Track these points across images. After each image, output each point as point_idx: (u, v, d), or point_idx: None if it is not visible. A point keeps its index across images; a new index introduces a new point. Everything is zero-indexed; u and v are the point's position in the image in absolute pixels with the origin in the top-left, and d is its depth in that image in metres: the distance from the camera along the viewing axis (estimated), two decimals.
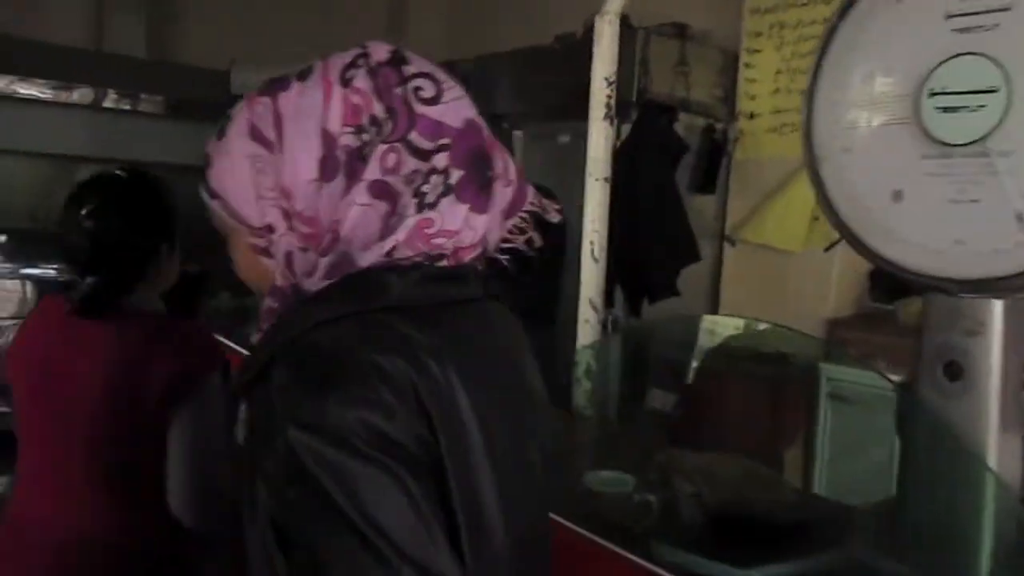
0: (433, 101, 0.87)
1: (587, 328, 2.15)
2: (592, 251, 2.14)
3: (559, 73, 3.94)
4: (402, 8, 5.81)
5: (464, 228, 0.86)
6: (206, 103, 4.96)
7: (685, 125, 3.65)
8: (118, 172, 1.64)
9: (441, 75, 0.90)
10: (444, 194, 0.85)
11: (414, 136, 0.85)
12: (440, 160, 0.86)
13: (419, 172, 0.85)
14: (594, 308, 2.15)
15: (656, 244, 3.36)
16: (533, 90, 4.12)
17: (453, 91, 0.89)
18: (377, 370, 0.76)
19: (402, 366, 0.78)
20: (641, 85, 3.51)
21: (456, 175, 0.86)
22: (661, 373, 2.71)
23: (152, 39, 5.08)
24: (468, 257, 0.88)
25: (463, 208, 0.86)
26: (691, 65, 3.67)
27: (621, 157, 3.45)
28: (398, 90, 0.86)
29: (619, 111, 3.60)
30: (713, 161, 3.70)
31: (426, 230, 0.85)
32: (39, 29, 4.79)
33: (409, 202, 0.84)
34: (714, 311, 3.95)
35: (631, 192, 3.35)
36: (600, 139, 2.12)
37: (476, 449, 0.82)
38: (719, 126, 3.77)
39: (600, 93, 2.12)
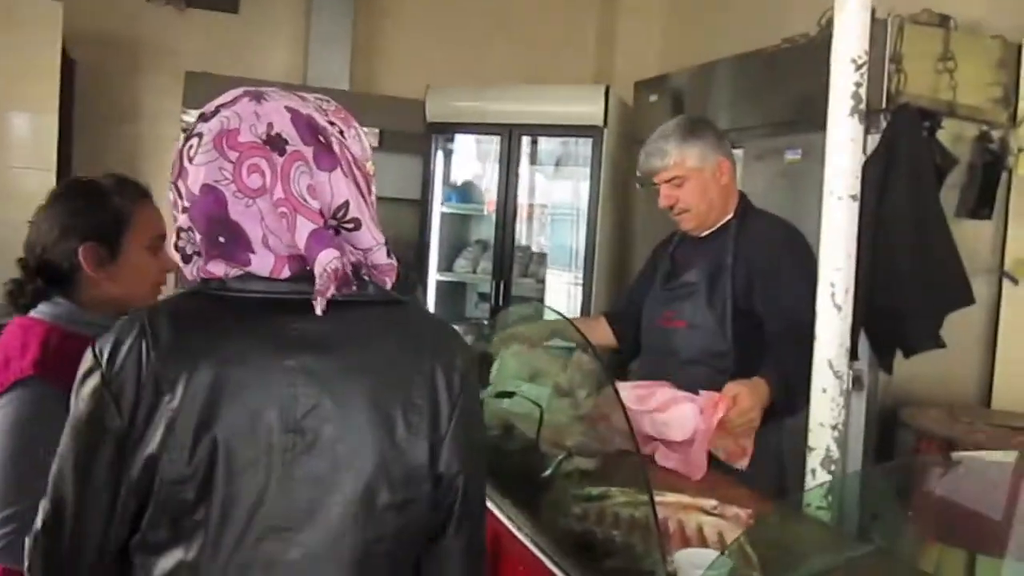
0: (191, 160, 0.99)
1: (824, 400, 1.57)
2: (832, 295, 1.57)
3: (788, 79, 3.37)
4: (612, 25, 5.40)
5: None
6: (404, 133, 4.88)
7: (952, 134, 2.92)
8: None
9: (208, 135, 0.98)
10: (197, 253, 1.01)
11: (180, 185, 1.00)
12: (184, 220, 1.00)
13: (180, 227, 1.00)
14: (835, 373, 1.57)
15: (916, 282, 2.67)
16: (755, 100, 3.55)
17: (206, 154, 0.97)
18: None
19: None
20: (893, 86, 2.84)
21: (197, 237, 0.99)
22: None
23: (354, 72, 5.00)
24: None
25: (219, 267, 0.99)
26: (958, 60, 2.94)
27: (868, 174, 2.80)
28: (183, 143, 1.01)
29: (864, 118, 3.00)
30: (989, 178, 2.94)
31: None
32: (249, 67, 4.86)
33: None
34: (989, 367, 3.14)
35: (882, 217, 2.69)
36: (844, 145, 1.56)
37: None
38: (996, 134, 3.00)
39: (844, 81, 1.56)
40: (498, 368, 2.13)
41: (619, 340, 2.51)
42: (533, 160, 4.70)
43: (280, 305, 0.98)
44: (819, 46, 3.24)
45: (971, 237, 2.98)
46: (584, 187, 4.27)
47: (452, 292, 4.83)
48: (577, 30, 5.55)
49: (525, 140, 4.36)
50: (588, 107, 4.15)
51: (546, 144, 4.73)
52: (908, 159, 2.73)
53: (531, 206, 4.78)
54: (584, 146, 4.57)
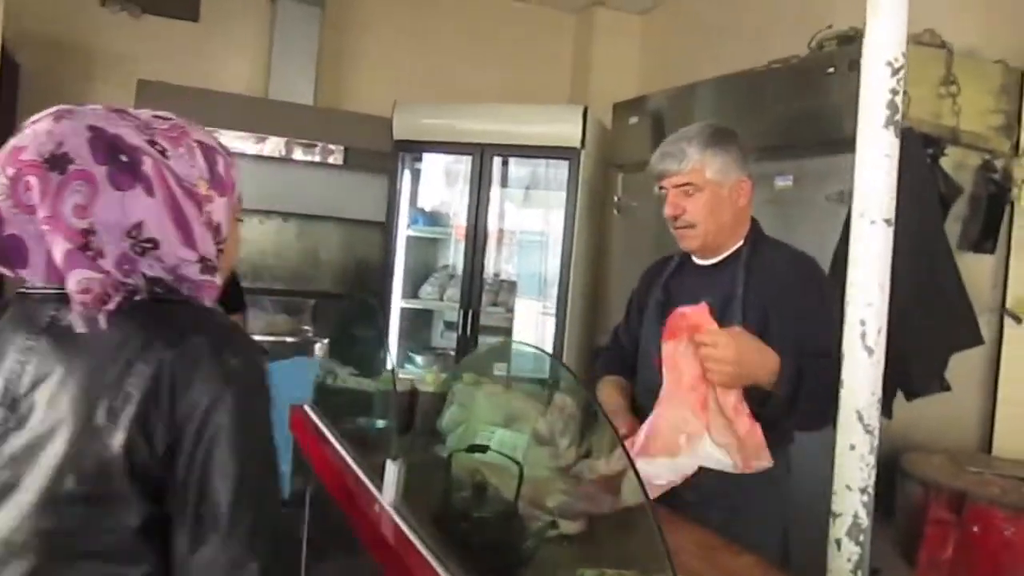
0: None
1: (852, 459, 1.34)
2: (862, 335, 1.35)
3: (777, 101, 3.20)
4: (588, 46, 5.23)
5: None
6: (371, 152, 4.64)
7: (954, 162, 2.75)
8: None
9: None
10: None
11: None
12: None
13: None
14: (865, 427, 1.34)
15: (921, 319, 2.47)
16: (742, 124, 3.35)
17: None
18: None
19: None
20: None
21: None
22: None
23: (320, 87, 4.75)
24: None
25: None
26: (960, 84, 2.78)
27: None
28: None
29: (899, 130, 2.81)
30: (993, 210, 2.77)
31: None
32: (207, 78, 4.60)
33: None
34: (990, 411, 2.95)
35: None
36: (878, 162, 1.36)
37: None
38: (998, 163, 2.84)
39: (877, 87, 1.36)
40: (458, 411, 1.87)
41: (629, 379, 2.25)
42: (504, 182, 4.48)
43: (50, 297, 1.05)
44: (811, 68, 3.10)
45: (971, 272, 2.78)
46: (557, 212, 4.07)
47: (417, 320, 4.57)
48: (552, 50, 5.38)
49: (497, 161, 4.13)
50: (565, 128, 3.95)
51: (517, 166, 4.53)
52: (912, 187, 2.53)
53: (501, 231, 4.54)
54: (557, 169, 4.36)
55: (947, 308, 2.51)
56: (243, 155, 4.44)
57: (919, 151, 2.58)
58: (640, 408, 2.18)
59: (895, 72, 1.36)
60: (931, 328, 2.49)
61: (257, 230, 4.87)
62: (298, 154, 4.54)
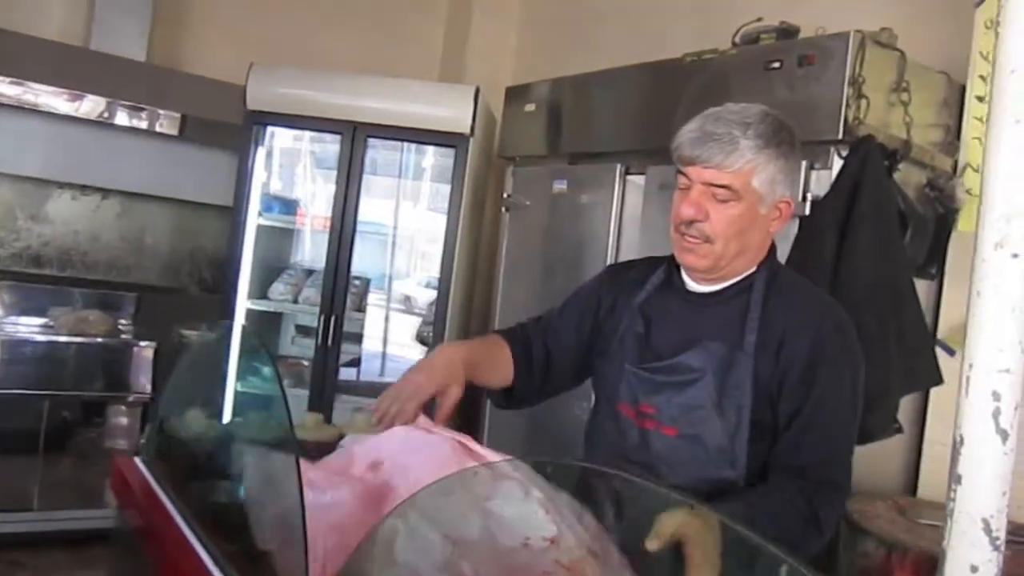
0: None
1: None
2: (996, 416, 0.96)
3: (700, 98, 2.83)
4: (465, 24, 4.74)
5: None
6: (215, 123, 3.94)
7: (900, 179, 2.48)
8: None
9: None
10: None
11: None
12: None
13: None
14: (992, 540, 0.95)
15: (881, 353, 2.17)
16: (658, 120, 2.99)
17: None
18: None
19: None
20: (851, 115, 2.36)
21: None
22: None
23: (154, 42, 3.98)
24: None
25: None
26: (912, 92, 2.53)
27: (825, 220, 2.29)
28: None
29: (812, 151, 2.49)
30: (940, 233, 2.53)
31: None
32: (16, 22, 3.74)
33: None
34: (916, 450, 2.73)
35: (842, 272, 2.18)
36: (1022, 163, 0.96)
37: None
38: (942, 183, 2.61)
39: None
40: None
41: (516, 376, 1.72)
42: (373, 168, 3.92)
43: None
44: (746, 62, 2.77)
45: None
46: (431, 206, 3.58)
47: (266, 324, 3.92)
48: (423, 23, 4.85)
49: (371, 143, 3.56)
50: (452, 111, 3.44)
51: (387, 151, 3.99)
52: (872, 203, 2.24)
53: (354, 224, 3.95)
54: (436, 157, 3.87)
55: (909, 340, 2.22)
56: (53, 114, 3.63)
57: (879, 164, 2.29)
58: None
59: None
60: (891, 363, 2.20)
61: (69, 208, 4.04)
62: (122, 118, 3.75)
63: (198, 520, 1.35)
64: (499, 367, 1.69)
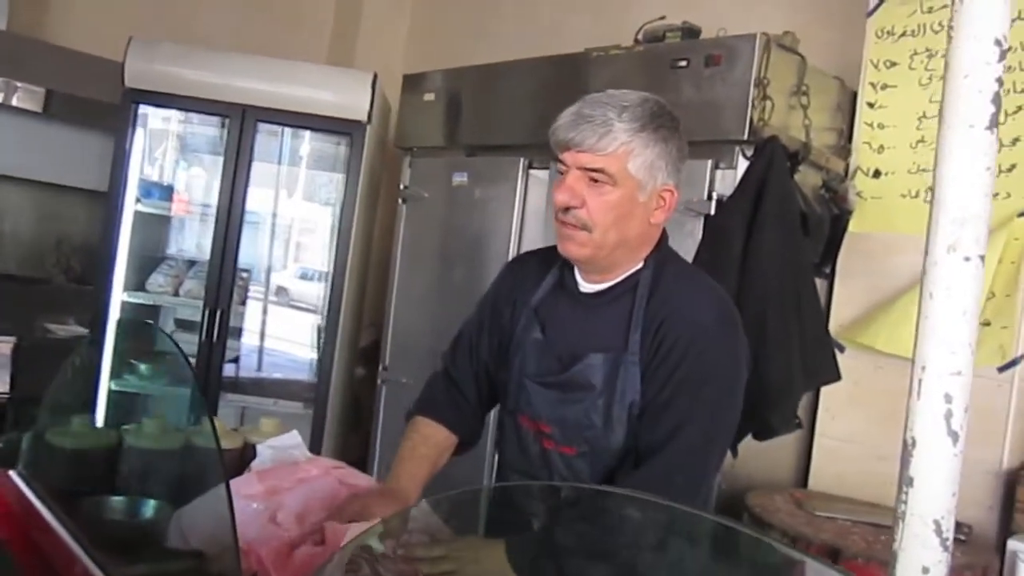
0: None
1: None
2: (948, 419, 0.96)
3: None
4: (356, 6, 4.59)
5: None
6: (85, 100, 3.64)
7: (799, 179, 2.55)
8: None
9: None
10: None
11: None
12: None
13: None
14: (944, 543, 0.96)
15: (783, 351, 2.21)
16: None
17: None
18: None
19: None
20: (756, 115, 2.40)
21: None
22: None
23: (15, 8, 3.65)
24: None
25: None
26: (810, 95, 2.60)
27: (728, 221, 2.32)
28: None
29: (718, 150, 2.52)
30: (835, 233, 2.61)
31: None
32: None
33: None
34: (807, 443, 2.82)
35: (748, 271, 2.21)
36: (976, 180, 0.97)
37: None
38: (836, 185, 2.70)
39: (981, 73, 0.97)
40: None
41: (464, 437, 1.70)
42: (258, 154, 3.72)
43: None
44: (651, 60, 2.77)
45: None
46: (309, 195, 3.42)
47: (143, 318, 3.66)
48: (313, 4, 4.66)
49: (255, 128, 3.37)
50: (349, 96, 3.31)
51: (270, 136, 3.80)
52: (777, 203, 2.29)
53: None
54: (320, 144, 3.72)
55: (809, 341, 2.28)
56: None
57: (783, 164, 2.34)
58: (503, 478, 1.67)
59: (1002, 55, 0.99)
60: (795, 364, 2.25)
61: None
62: None
63: (94, 541, 1.22)
64: (444, 454, 1.65)
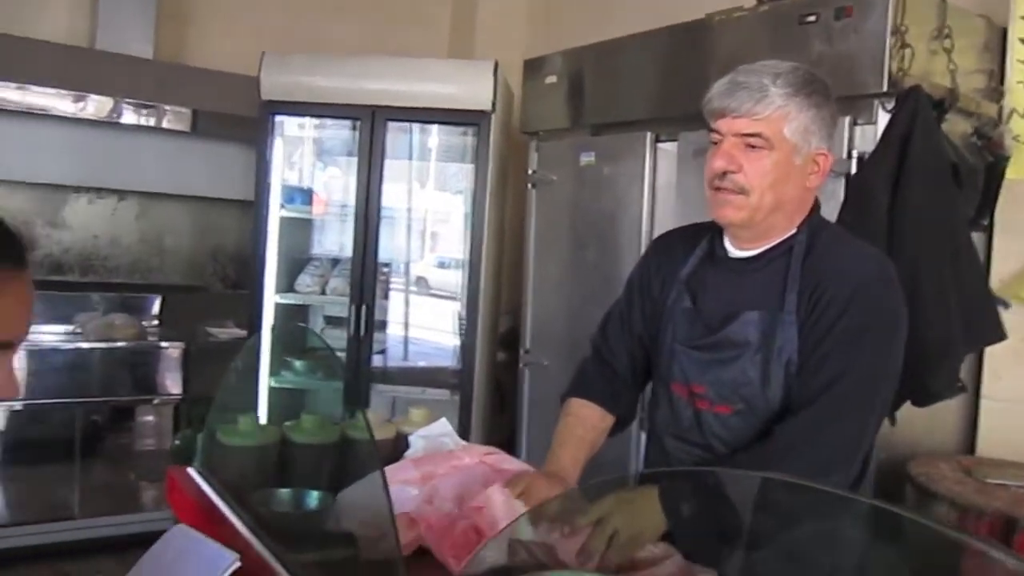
0: None
1: None
2: None
3: (728, 59, 2.74)
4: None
5: None
6: (227, 116, 3.86)
7: (947, 128, 2.39)
8: None
9: None
10: None
11: None
12: None
13: None
14: None
15: (940, 311, 2.09)
16: (687, 85, 2.87)
17: None
18: None
19: None
20: (895, 65, 2.27)
21: None
22: None
23: (160, 38, 3.90)
24: None
25: None
26: (953, 38, 2.43)
27: (876, 176, 2.21)
28: None
29: (855, 106, 2.36)
30: (990, 183, 2.44)
31: None
32: (19, 24, 3.66)
33: None
34: (973, 408, 2.66)
35: (897, 228, 2.10)
36: None
37: None
38: (988, 131, 2.51)
39: None
40: None
41: (621, 415, 1.73)
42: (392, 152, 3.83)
43: None
44: (776, 19, 2.66)
45: None
46: (440, 186, 3.48)
47: (294, 318, 3.86)
48: (428, 2, 4.74)
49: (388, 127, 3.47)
50: (472, 87, 3.36)
51: (401, 133, 3.89)
52: (923, 156, 2.16)
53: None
54: (448, 136, 3.79)
55: (969, 299, 2.15)
56: (63, 117, 3.58)
57: (929, 114, 2.20)
58: (655, 443, 1.68)
59: None
60: (951, 321, 2.12)
61: (86, 212, 3.99)
62: (131, 117, 3.69)
63: (265, 530, 1.30)
64: (601, 436, 1.69)
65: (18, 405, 3.30)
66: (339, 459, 1.44)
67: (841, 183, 2.31)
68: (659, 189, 2.98)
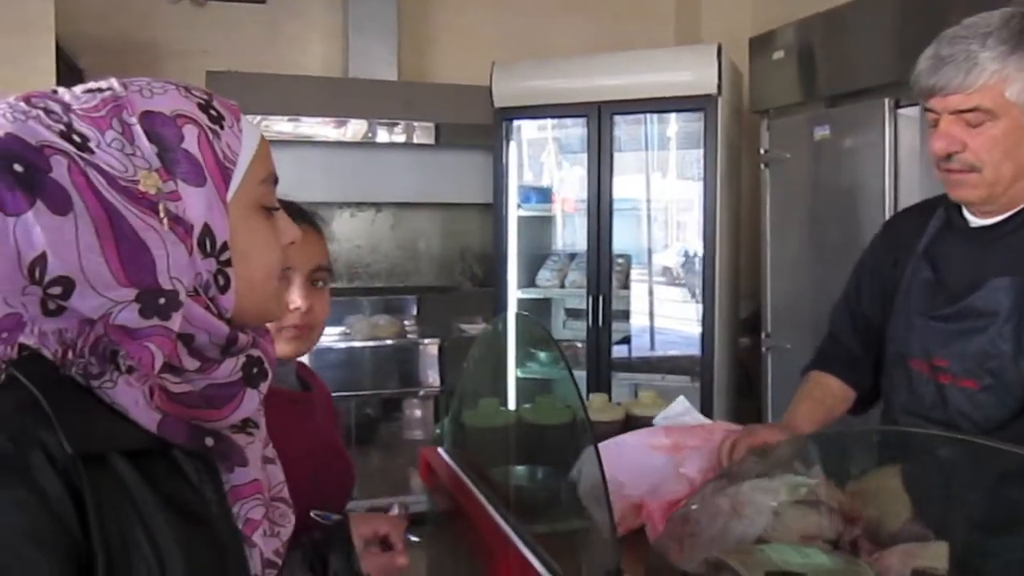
0: None
1: None
2: None
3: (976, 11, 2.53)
4: None
5: None
6: (464, 126, 4.13)
7: None
8: None
9: None
10: None
11: None
12: None
13: None
14: None
15: None
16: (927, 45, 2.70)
17: None
18: None
19: None
20: None
21: None
22: None
23: (403, 60, 4.25)
24: None
25: None
26: None
27: None
28: None
29: None
30: None
31: None
32: (282, 62, 4.16)
33: None
34: None
35: None
36: None
37: None
38: None
39: None
40: None
41: (861, 392, 1.68)
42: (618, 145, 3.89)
43: None
44: None
45: None
46: (680, 174, 3.48)
47: (536, 311, 4.05)
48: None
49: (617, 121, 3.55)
50: (696, 73, 3.34)
51: (627, 124, 3.94)
52: None
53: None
54: (683, 123, 3.78)
55: None
56: (324, 142, 4.02)
57: None
58: (892, 412, 1.61)
59: None
60: None
61: (349, 225, 4.45)
62: (382, 135, 4.09)
63: (502, 502, 1.42)
64: (840, 404, 1.67)
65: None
66: (569, 438, 1.53)
67: None
68: (902, 159, 2.79)
